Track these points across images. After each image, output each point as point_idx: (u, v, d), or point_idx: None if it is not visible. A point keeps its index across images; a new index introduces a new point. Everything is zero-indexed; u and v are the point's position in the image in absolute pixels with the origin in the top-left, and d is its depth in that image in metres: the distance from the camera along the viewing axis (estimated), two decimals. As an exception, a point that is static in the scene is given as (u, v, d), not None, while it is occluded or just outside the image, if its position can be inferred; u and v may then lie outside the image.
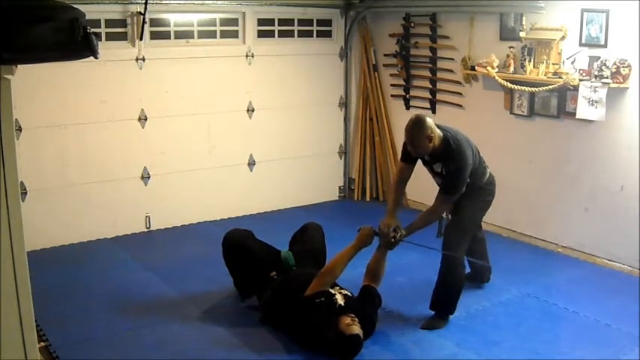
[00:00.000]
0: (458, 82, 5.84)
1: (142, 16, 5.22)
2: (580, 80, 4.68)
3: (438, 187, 3.99)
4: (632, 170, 4.67)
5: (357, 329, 3.50)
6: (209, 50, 5.78)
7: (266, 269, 4.06)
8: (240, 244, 4.21)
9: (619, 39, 4.57)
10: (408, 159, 4.01)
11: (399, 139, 6.53)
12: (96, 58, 2.20)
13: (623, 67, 4.50)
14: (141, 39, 5.35)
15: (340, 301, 3.65)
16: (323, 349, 3.57)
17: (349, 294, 3.80)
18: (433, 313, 4.04)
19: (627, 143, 4.68)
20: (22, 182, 4.89)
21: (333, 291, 3.75)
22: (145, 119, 5.54)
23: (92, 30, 2.14)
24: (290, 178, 6.41)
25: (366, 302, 3.82)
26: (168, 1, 5.49)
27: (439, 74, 6.03)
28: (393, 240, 3.89)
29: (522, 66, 5.14)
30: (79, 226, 5.37)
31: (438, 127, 3.83)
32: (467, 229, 4.06)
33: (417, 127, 3.74)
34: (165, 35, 5.59)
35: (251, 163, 6.20)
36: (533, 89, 5.05)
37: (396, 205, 4.04)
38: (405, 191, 4.24)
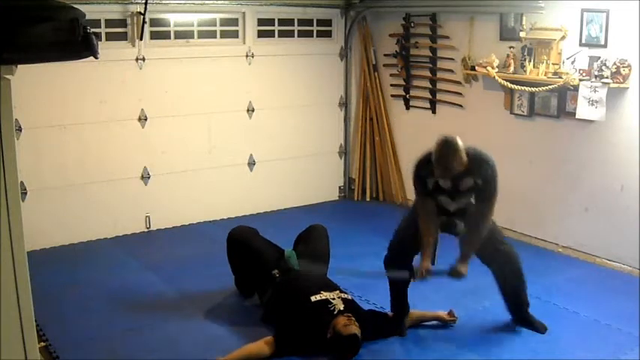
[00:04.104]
0: (458, 82, 5.83)
1: (142, 16, 5.22)
2: (580, 80, 4.68)
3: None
4: (632, 170, 4.66)
5: (354, 329, 3.47)
6: (209, 50, 5.78)
7: (269, 267, 4.06)
8: (244, 241, 4.23)
9: (619, 39, 4.56)
10: (428, 191, 3.61)
11: (399, 139, 6.55)
12: (96, 58, 2.21)
13: (623, 67, 4.50)
14: (141, 39, 5.35)
15: (339, 306, 3.63)
16: (322, 351, 3.54)
17: (349, 298, 3.79)
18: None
19: (627, 143, 4.67)
20: (22, 182, 4.89)
21: (332, 295, 3.73)
22: (145, 119, 5.54)
23: (92, 30, 2.14)
24: (290, 178, 6.41)
25: (374, 318, 3.79)
26: (168, 1, 5.49)
27: (439, 74, 6.03)
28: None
29: (522, 66, 5.14)
30: (79, 226, 5.36)
31: None
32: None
33: (452, 150, 3.40)
34: (165, 35, 5.59)
35: (251, 163, 6.20)
36: (533, 89, 5.05)
37: (433, 247, 3.69)
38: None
